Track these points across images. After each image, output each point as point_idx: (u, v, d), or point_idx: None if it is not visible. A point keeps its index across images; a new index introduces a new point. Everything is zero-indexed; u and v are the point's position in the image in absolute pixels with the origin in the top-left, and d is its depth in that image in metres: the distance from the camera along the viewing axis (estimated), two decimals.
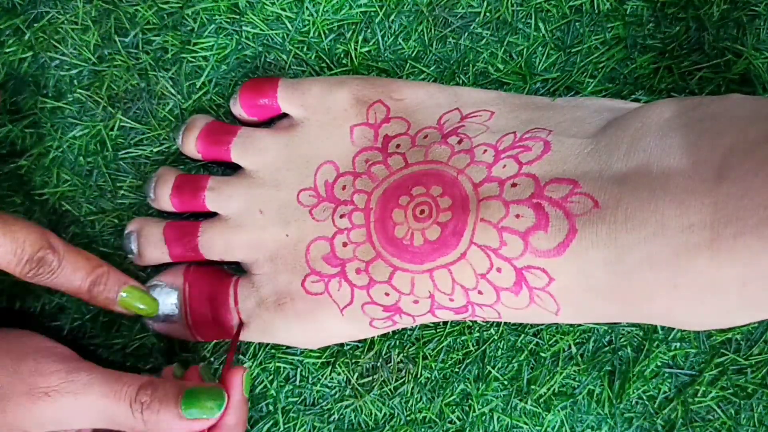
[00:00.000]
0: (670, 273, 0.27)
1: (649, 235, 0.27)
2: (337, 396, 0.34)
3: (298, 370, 0.34)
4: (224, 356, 0.34)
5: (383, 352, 0.34)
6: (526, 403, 0.34)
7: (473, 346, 0.34)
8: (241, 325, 0.33)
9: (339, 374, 0.34)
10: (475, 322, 0.34)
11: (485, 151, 0.31)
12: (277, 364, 0.34)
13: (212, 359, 0.34)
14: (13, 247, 0.28)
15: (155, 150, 0.35)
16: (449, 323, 0.34)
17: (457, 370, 0.34)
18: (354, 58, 0.35)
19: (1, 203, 0.35)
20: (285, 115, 0.35)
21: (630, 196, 0.28)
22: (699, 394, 0.34)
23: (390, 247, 0.31)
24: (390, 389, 0.34)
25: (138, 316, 0.33)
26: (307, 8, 0.35)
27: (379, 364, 0.34)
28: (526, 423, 0.34)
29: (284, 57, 0.36)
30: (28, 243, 0.28)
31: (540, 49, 0.35)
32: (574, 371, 0.34)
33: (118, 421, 0.29)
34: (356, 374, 0.34)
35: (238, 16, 0.35)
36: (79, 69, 0.35)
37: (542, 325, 0.34)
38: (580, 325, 0.34)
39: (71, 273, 0.30)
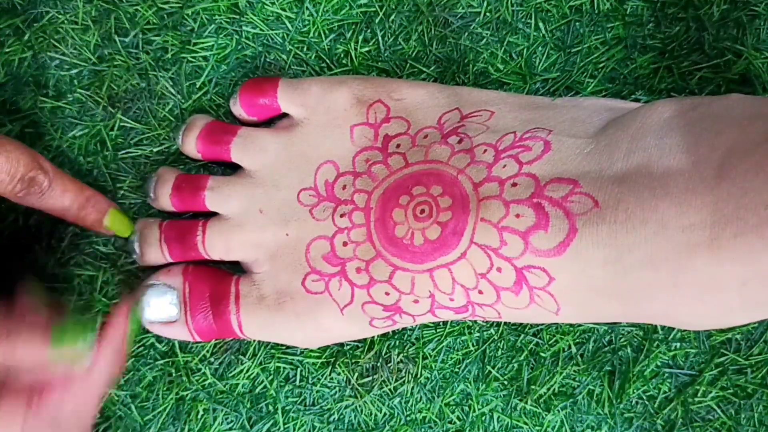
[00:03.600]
0: (670, 272, 0.27)
1: (650, 235, 0.27)
2: (337, 396, 0.34)
3: (298, 370, 0.34)
4: (223, 356, 0.34)
5: (383, 352, 0.34)
6: (526, 403, 0.34)
7: (473, 346, 0.34)
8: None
9: (339, 374, 0.34)
10: (475, 322, 0.34)
11: (485, 150, 0.31)
12: (277, 364, 0.34)
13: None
14: (7, 167, 0.29)
15: (155, 150, 0.35)
16: (449, 323, 0.34)
17: (457, 370, 0.34)
18: (354, 58, 0.35)
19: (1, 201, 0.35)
20: (285, 115, 0.35)
21: (630, 196, 0.28)
22: (699, 394, 0.34)
23: (390, 247, 0.31)
24: (390, 389, 0.34)
25: (117, 238, 0.34)
26: (307, 8, 0.35)
27: (379, 364, 0.34)
28: (526, 423, 0.34)
29: (284, 57, 0.36)
30: (21, 163, 0.29)
31: (540, 49, 0.35)
32: (574, 371, 0.34)
33: None
34: (356, 374, 0.34)
35: (238, 16, 0.35)
36: (79, 69, 0.35)
37: (542, 325, 0.34)
38: (580, 325, 0.34)
39: (60, 194, 0.31)
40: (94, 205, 0.32)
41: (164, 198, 0.34)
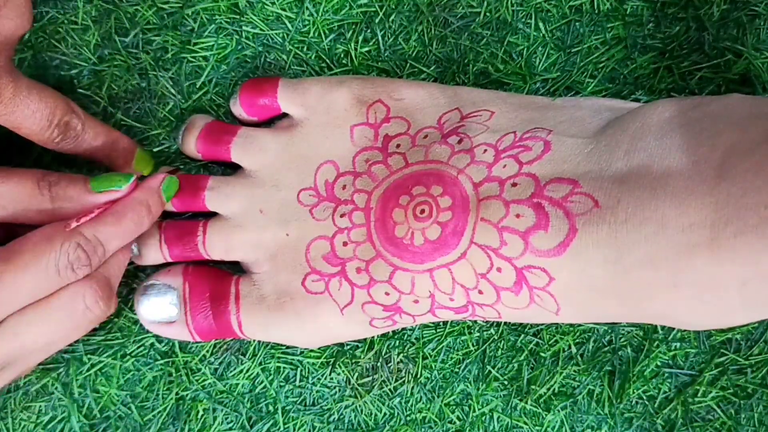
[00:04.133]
0: (670, 272, 0.27)
1: (650, 235, 0.27)
2: (337, 396, 0.34)
3: (298, 370, 0.34)
4: (223, 356, 0.34)
5: (383, 352, 0.34)
6: (526, 403, 0.34)
7: (473, 346, 0.34)
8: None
9: (339, 374, 0.34)
10: (475, 322, 0.34)
11: (485, 150, 0.31)
12: (277, 364, 0.34)
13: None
14: (46, 113, 0.30)
15: (155, 150, 0.35)
16: (449, 323, 0.34)
17: (457, 370, 0.34)
18: (354, 58, 0.35)
19: None
20: (285, 115, 0.35)
21: (630, 196, 0.28)
22: (699, 394, 0.34)
23: (390, 247, 0.31)
24: (390, 389, 0.34)
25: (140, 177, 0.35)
26: (307, 8, 0.35)
27: (379, 364, 0.34)
28: (526, 423, 0.34)
29: (284, 57, 0.36)
30: (58, 108, 0.30)
31: (540, 49, 0.35)
32: (574, 371, 0.34)
33: (22, 201, 0.30)
34: (356, 374, 0.34)
35: (238, 16, 0.35)
36: (79, 69, 0.35)
37: (542, 325, 0.34)
38: (580, 325, 0.34)
39: (93, 138, 0.32)
40: (123, 145, 0.33)
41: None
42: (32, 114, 0.30)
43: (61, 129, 0.31)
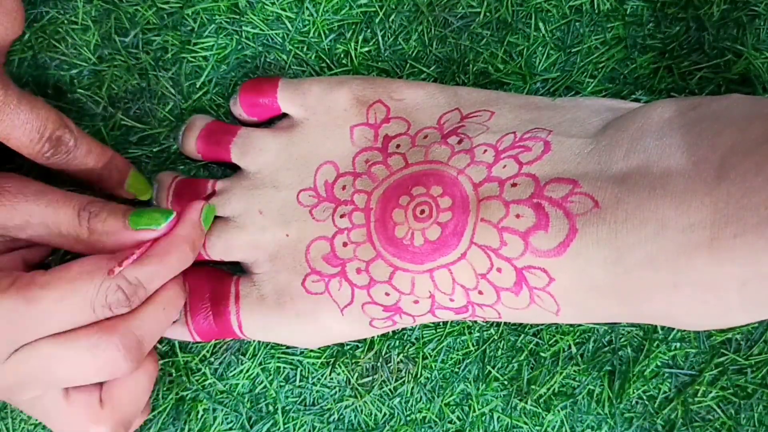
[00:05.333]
0: (670, 272, 0.27)
1: (650, 235, 0.27)
2: (337, 396, 0.34)
3: (298, 370, 0.34)
4: (223, 356, 0.34)
5: (383, 352, 0.34)
6: (526, 403, 0.34)
7: (473, 346, 0.34)
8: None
9: (339, 374, 0.34)
10: (475, 322, 0.34)
11: (485, 151, 0.31)
12: (277, 364, 0.34)
13: None
14: (37, 125, 0.29)
15: (155, 150, 0.35)
16: (449, 323, 0.34)
17: (457, 370, 0.34)
18: (354, 58, 0.35)
19: None
20: (285, 115, 0.35)
21: (630, 196, 0.28)
22: (699, 394, 0.34)
23: (390, 247, 0.31)
24: (390, 389, 0.34)
25: (136, 202, 0.34)
26: (307, 8, 0.35)
27: (379, 364, 0.34)
28: (526, 423, 0.34)
29: (284, 57, 0.36)
30: (50, 121, 0.30)
31: (540, 49, 0.35)
32: (574, 371, 0.34)
33: (61, 228, 0.29)
34: (356, 374, 0.34)
35: (238, 16, 0.35)
36: (79, 69, 0.35)
37: (542, 325, 0.34)
38: (580, 325, 0.34)
39: (84, 154, 0.31)
40: (116, 165, 0.33)
41: (163, 203, 0.34)
42: (22, 125, 0.29)
43: (52, 143, 0.30)
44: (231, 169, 0.35)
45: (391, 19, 0.36)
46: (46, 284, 0.28)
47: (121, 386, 0.30)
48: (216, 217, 0.34)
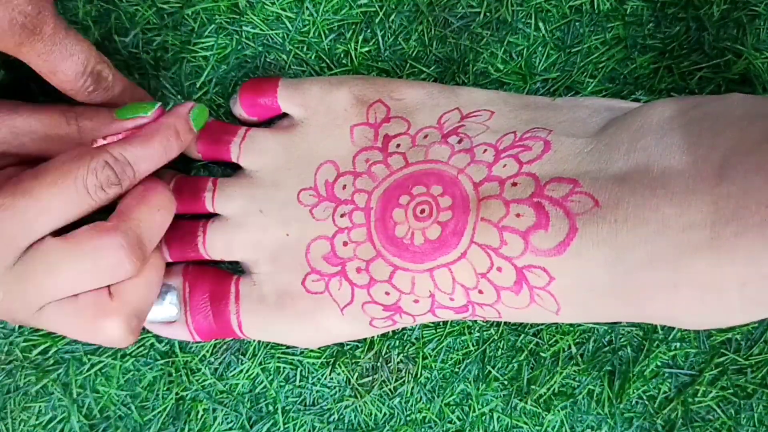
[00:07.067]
0: (670, 272, 0.27)
1: (650, 234, 0.27)
2: (337, 396, 0.34)
3: (298, 370, 0.34)
4: (223, 356, 0.34)
5: (383, 352, 0.34)
6: (526, 403, 0.34)
7: (473, 346, 0.34)
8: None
9: (339, 374, 0.34)
10: (475, 321, 0.34)
11: (485, 150, 0.31)
12: (277, 364, 0.34)
13: None
14: (83, 57, 0.29)
15: None
16: (449, 323, 0.34)
17: (457, 370, 0.34)
18: (354, 58, 0.35)
19: None
20: (285, 115, 0.35)
21: (630, 195, 0.28)
22: (699, 394, 0.34)
23: (390, 247, 0.31)
24: (390, 389, 0.34)
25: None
26: (307, 8, 0.35)
27: (379, 364, 0.34)
28: (526, 423, 0.34)
29: (284, 57, 0.36)
30: (92, 55, 0.30)
31: (540, 49, 0.35)
32: (574, 371, 0.34)
33: (50, 133, 0.30)
34: (356, 374, 0.34)
35: (238, 16, 0.35)
36: None
37: (542, 325, 0.34)
38: (580, 325, 0.34)
39: (119, 93, 0.31)
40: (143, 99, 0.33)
41: None
42: (69, 56, 0.29)
43: (94, 78, 0.30)
44: (231, 169, 0.35)
45: (391, 19, 0.36)
46: (36, 174, 0.27)
47: (129, 279, 0.30)
48: (216, 217, 0.34)
